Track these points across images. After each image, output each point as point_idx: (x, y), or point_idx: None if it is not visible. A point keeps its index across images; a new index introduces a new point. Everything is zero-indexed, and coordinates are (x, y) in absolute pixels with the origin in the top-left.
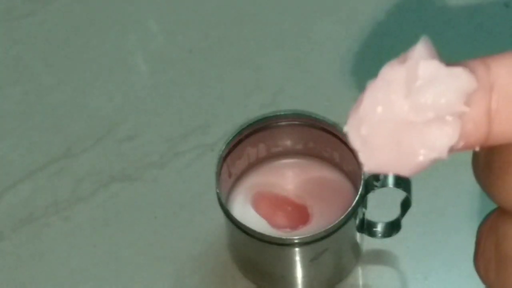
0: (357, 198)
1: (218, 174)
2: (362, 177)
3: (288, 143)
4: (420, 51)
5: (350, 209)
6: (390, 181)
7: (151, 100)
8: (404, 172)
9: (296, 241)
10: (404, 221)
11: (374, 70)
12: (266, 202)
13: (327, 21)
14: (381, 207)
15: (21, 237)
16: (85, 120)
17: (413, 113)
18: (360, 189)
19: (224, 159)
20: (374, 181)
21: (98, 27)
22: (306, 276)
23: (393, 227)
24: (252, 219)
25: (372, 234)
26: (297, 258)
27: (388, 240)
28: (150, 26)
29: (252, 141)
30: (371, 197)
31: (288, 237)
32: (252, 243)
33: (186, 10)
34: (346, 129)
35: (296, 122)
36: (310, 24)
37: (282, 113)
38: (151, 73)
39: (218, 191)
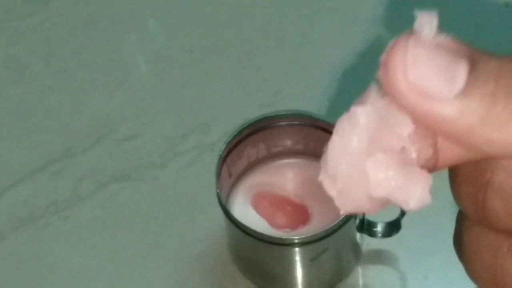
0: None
1: (218, 174)
2: None
3: (288, 143)
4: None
5: None
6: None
7: (151, 100)
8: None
9: (296, 241)
10: (404, 221)
11: (374, 70)
12: (266, 202)
13: (327, 21)
14: None
15: (21, 237)
16: (85, 120)
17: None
18: None
19: (224, 159)
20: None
21: (98, 27)
22: (306, 276)
23: (393, 227)
24: (252, 219)
25: (372, 234)
26: (297, 258)
27: (388, 240)
28: (150, 26)
29: (252, 141)
30: None
31: (288, 237)
32: (252, 243)
33: (186, 10)
34: (320, 179)
35: (296, 122)
36: (310, 24)
37: (282, 113)
38: (151, 73)
39: (218, 191)
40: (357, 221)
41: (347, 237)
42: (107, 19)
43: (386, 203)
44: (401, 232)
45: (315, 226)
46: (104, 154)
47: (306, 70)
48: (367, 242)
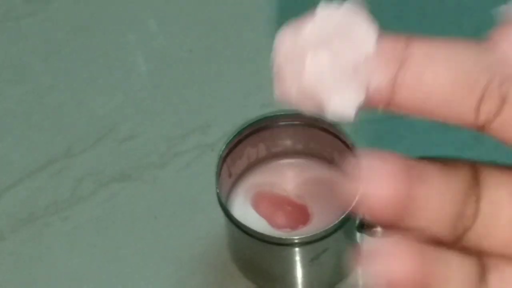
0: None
1: (218, 174)
2: None
3: (288, 143)
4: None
5: (350, 209)
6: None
7: (151, 100)
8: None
9: (296, 241)
10: None
11: None
12: (266, 202)
13: None
14: None
15: (21, 237)
16: (85, 120)
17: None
18: None
19: (224, 159)
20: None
21: (98, 27)
22: (306, 276)
23: None
24: (252, 219)
25: (372, 234)
26: (297, 258)
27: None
28: (150, 26)
29: (252, 141)
30: None
31: (288, 237)
32: (252, 243)
33: (186, 10)
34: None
35: (296, 122)
36: None
37: (282, 113)
38: (151, 73)
39: (218, 191)
40: (357, 221)
41: (347, 237)
42: (107, 19)
43: (312, 99)
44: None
45: (315, 226)
46: (104, 154)
47: None
48: (367, 242)
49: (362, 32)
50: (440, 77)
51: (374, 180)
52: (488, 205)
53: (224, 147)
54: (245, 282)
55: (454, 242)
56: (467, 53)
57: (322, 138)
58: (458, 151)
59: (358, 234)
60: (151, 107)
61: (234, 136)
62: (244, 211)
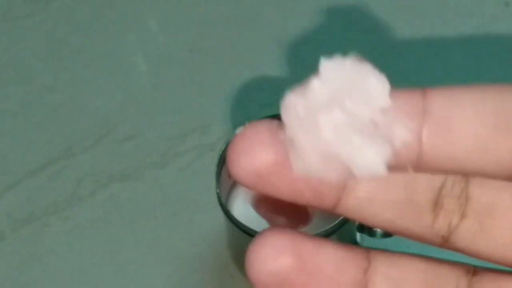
0: None
1: (218, 174)
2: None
3: None
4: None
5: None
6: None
7: (151, 100)
8: (333, 181)
9: None
10: None
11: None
12: (266, 202)
13: (327, 21)
14: None
15: (21, 237)
16: (85, 120)
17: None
18: None
19: (224, 159)
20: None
21: (98, 27)
22: None
23: None
24: (252, 219)
25: (372, 234)
26: None
27: (388, 240)
28: (150, 26)
29: None
30: None
31: None
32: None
33: (186, 10)
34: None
35: None
36: (310, 24)
37: None
38: (151, 73)
39: (218, 191)
40: (357, 221)
41: (347, 237)
42: (107, 19)
43: (336, 164)
44: None
45: (315, 226)
46: (104, 154)
47: (306, 70)
48: (367, 242)
49: (373, 85)
50: (470, 122)
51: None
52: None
53: (224, 147)
54: (245, 282)
55: None
56: (493, 94)
57: None
58: None
59: (358, 234)
60: (151, 107)
61: None
62: (244, 211)
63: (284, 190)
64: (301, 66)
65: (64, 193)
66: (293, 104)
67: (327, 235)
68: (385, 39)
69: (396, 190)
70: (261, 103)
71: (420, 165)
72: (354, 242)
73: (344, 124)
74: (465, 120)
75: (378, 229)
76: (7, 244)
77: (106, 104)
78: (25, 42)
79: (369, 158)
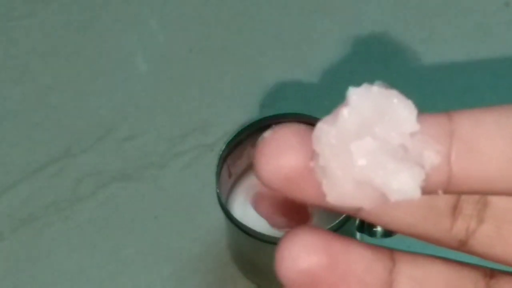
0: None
1: (218, 174)
2: None
3: None
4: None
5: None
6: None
7: (151, 100)
8: (369, 206)
9: None
10: None
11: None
12: (266, 202)
13: (327, 21)
14: None
15: (21, 237)
16: (85, 120)
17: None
18: None
19: (224, 159)
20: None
21: (98, 27)
22: None
23: None
24: (252, 219)
25: (372, 234)
26: None
27: (388, 240)
28: (150, 26)
29: (252, 141)
30: None
31: None
32: (252, 243)
33: (186, 10)
34: (311, 166)
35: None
36: (310, 24)
37: (282, 113)
38: (151, 73)
39: (218, 191)
40: (357, 221)
41: None
42: (107, 19)
43: (371, 190)
44: None
45: (315, 226)
46: (104, 154)
47: (306, 70)
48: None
49: (401, 110)
50: (496, 142)
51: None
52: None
53: (224, 147)
54: (245, 282)
55: None
56: None
57: None
58: None
59: (358, 234)
60: (151, 107)
61: (234, 136)
62: (244, 211)
63: (311, 194)
64: (301, 66)
65: (64, 193)
66: (325, 132)
67: None
68: (382, 39)
69: (417, 205)
70: (261, 103)
71: (450, 188)
72: None
73: (376, 150)
74: (491, 141)
75: (378, 229)
76: (7, 244)
77: (106, 104)
78: (25, 42)
79: (404, 182)
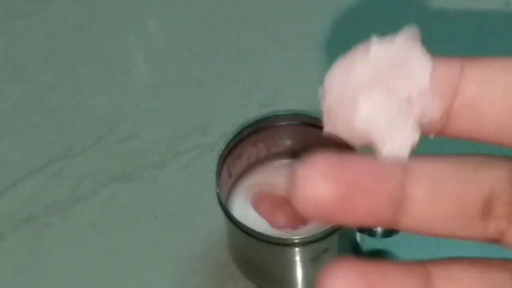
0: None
1: (218, 174)
2: None
3: (288, 143)
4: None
5: None
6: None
7: (151, 100)
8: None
9: (296, 241)
10: None
11: None
12: (266, 202)
13: (327, 21)
14: None
15: (21, 237)
16: (85, 120)
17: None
18: None
19: (224, 159)
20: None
21: (98, 27)
22: (306, 276)
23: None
24: (252, 219)
25: (372, 234)
26: (297, 258)
27: (388, 240)
28: (150, 26)
29: (252, 141)
30: None
31: (288, 237)
32: (252, 243)
33: (186, 10)
34: (319, 93)
35: (296, 122)
36: (310, 24)
37: (282, 113)
38: (151, 73)
39: (218, 191)
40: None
41: (347, 237)
42: (107, 19)
43: (365, 138)
44: (401, 232)
45: (315, 226)
46: (104, 154)
47: (306, 70)
48: (367, 242)
49: (417, 66)
50: (496, 105)
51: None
52: None
53: (224, 147)
54: (245, 282)
55: None
56: None
57: (322, 138)
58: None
59: (358, 234)
60: (151, 107)
61: (234, 136)
62: (244, 211)
63: (346, 220)
64: (301, 66)
65: (64, 193)
66: (335, 77)
67: (327, 235)
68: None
69: (448, 206)
70: (261, 103)
71: (442, 134)
72: (354, 242)
73: (380, 107)
74: (491, 103)
75: (378, 229)
76: (7, 244)
77: (106, 104)
78: (25, 42)
79: (396, 144)
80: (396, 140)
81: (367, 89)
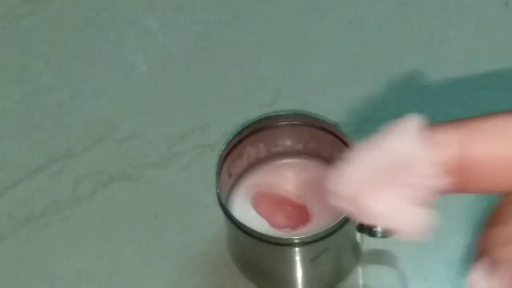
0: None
1: (218, 174)
2: None
3: (288, 143)
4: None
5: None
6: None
7: (151, 100)
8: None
9: (296, 241)
10: None
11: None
12: (266, 202)
13: (327, 21)
14: None
15: (21, 237)
16: (85, 120)
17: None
18: None
19: (224, 159)
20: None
21: (98, 27)
22: (306, 276)
23: None
24: (252, 219)
25: (372, 234)
26: (297, 258)
27: (388, 240)
28: (150, 26)
29: (252, 141)
30: None
31: (288, 237)
32: (252, 243)
33: (186, 10)
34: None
35: (296, 122)
36: (310, 24)
37: (282, 113)
38: (151, 73)
39: (218, 191)
40: (357, 221)
41: (347, 237)
42: (107, 19)
43: (377, 223)
44: None
45: (315, 226)
46: (104, 154)
47: (306, 70)
48: (367, 242)
49: (422, 162)
50: (499, 161)
51: None
52: None
53: (224, 147)
54: (245, 282)
55: None
56: None
57: (322, 138)
58: None
59: (358, 234)
60: (151, 107)
61: (234, 136)
62: (244, 211)
63: None
64: (301, 66)
65: (64, 193)
66: (351, 166)
67: (327, 235)
68: (382, 40)
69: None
70: (261, 103)
71: (464, 192)
72: (354, 242)
73: (396, 198)
74: (493, 149)
75: (378, 229)
76: (7, 244)
77: (106, 104)
78: (25, 42)
79: (410, 228)
80: (410, 224)
81: (378, 180)
